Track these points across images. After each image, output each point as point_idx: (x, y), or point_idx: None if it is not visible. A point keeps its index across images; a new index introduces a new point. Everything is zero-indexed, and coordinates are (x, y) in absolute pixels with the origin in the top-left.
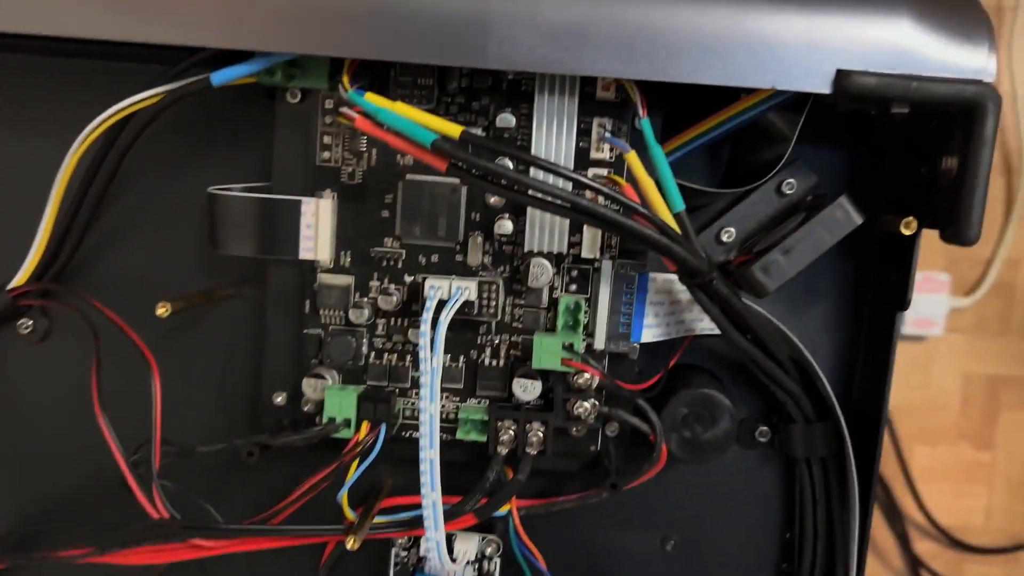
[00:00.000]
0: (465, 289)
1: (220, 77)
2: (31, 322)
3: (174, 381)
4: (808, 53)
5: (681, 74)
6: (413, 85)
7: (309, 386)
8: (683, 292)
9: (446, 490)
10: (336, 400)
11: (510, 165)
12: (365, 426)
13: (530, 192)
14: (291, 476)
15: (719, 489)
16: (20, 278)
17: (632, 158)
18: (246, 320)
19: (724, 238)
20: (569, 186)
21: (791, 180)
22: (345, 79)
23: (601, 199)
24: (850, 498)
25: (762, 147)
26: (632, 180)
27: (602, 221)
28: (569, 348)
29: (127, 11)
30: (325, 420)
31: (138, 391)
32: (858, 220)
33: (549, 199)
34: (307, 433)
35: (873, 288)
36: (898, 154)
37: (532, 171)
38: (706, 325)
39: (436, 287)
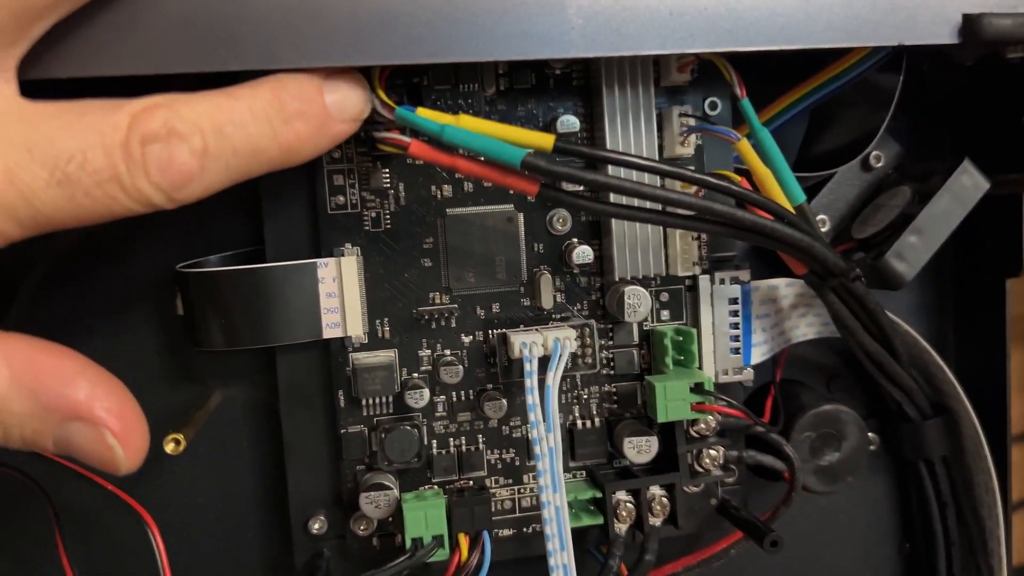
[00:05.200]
0: (565, 340)
1: None
2: None
3: (169, 529)
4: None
5: (796, 39)
6: (454, 94)
7: (370, 502)
8: (786, 299)
9: None
10: (419, 515)
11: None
12: (464, 540)
13: (639, 204)
14: None
15: (829, 507)
16: None
17: (745, 147)
18: (244, 428)
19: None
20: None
21: (877, 152)
22: (382, 93)
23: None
24: (981, 494)
25: (844, 120)
26: (740, 173)
27: (738, 228)
28: (699, 390)
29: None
30: (408, 543)
31: (118, 547)
32: (985, 185)
33: (669, 210)
34: (396, 567)
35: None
36: (994, 107)
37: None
38: (803, 331)
39: (528, 343)
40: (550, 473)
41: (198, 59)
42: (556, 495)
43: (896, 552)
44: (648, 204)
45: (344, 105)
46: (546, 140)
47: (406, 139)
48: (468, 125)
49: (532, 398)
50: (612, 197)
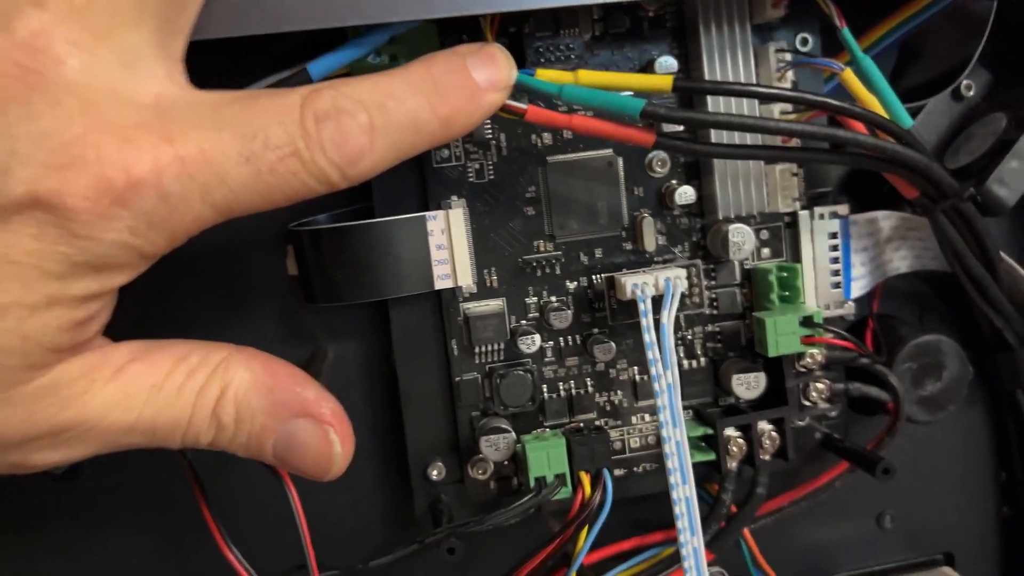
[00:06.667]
0: (676, 279)
1: (320, 68)
2: None
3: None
4: None
5: None
6: (555, 41)
7: (491, 445)
8: (883, 232)
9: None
10: (541, 455)
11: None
12: (586, 479)
13: (751, 140)
14: (481, 561)
15: (924, 438)
16: None
17: (850, 76)
18: (356, 383)
19: None
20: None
21: (968, 82)
22: None
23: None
24: None
25: (934, 50)
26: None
27: (861, 152)
28: (808, 323)
29: None
30: (532, 483)
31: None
32: None
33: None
34: (521, 505)
35: None
36: None
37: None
38: (897, 265)
39: (640, 284)
40: (669, 409)
41: (319, 16)
42: (676, 430)
43: (992, 480)
44: (762, 139)
45: (491, 76)
46: (664, 81)
47: (522, 106)
48: (587, 79)
49: (649, 336)
50: (718, 136)
